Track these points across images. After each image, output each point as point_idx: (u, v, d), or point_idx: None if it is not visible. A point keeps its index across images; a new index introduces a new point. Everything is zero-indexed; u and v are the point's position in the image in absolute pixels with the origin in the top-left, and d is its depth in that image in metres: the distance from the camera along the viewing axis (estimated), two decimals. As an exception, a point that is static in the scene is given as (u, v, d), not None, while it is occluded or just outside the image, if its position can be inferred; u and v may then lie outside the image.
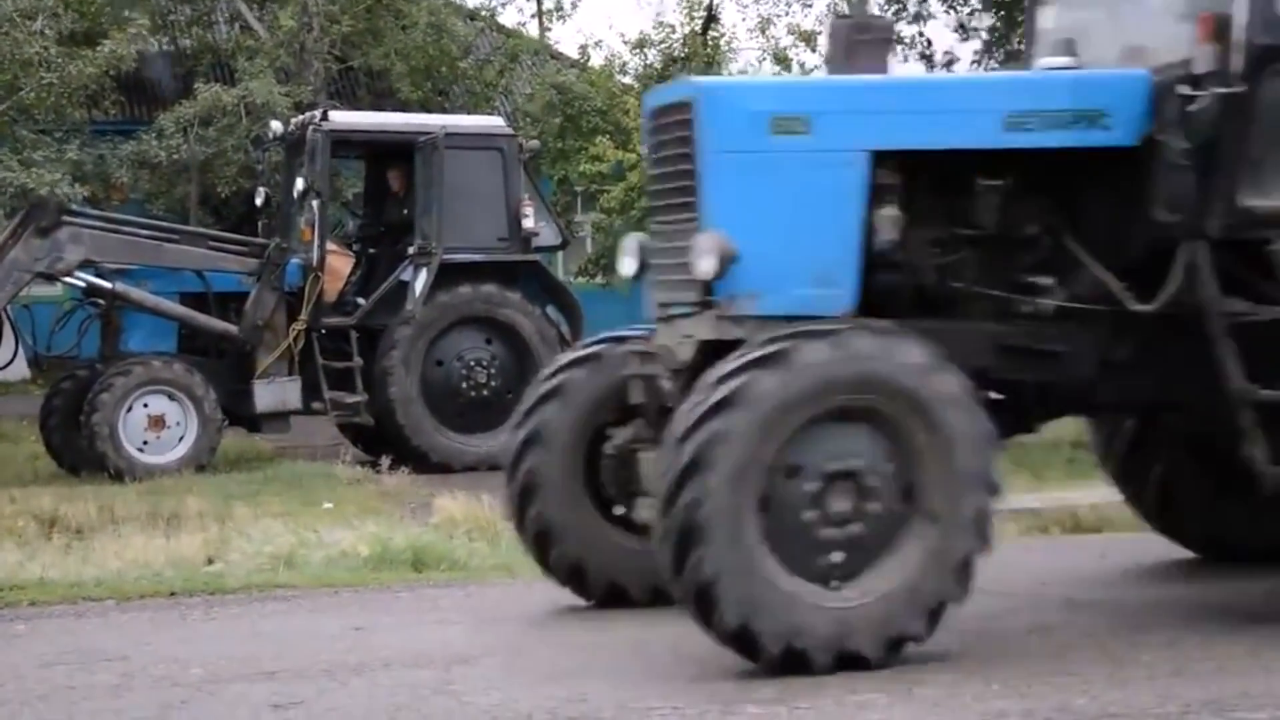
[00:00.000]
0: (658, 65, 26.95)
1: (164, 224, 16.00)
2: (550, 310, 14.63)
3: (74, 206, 16.31)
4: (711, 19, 28.09)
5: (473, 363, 14.06)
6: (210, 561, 9.15)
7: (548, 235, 14.91)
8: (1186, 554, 8.56)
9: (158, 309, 13.89)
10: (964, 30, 31.70)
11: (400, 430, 13.79)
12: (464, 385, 14.03)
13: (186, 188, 23.63)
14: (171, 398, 13.29)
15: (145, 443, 13.21)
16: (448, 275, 13.97)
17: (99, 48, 21.40)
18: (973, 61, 31.88)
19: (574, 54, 28.93)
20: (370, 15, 25.06)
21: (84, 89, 21.27)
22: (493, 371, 14.09)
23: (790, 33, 30.47)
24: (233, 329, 13.84)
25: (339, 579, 8.55)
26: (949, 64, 32.15)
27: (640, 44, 27.98)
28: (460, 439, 13.90)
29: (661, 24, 28.43)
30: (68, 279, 13.64)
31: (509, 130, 15.10)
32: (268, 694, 5.96)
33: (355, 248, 15.37)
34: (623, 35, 37.70)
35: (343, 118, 15.06)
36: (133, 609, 7.82)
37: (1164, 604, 7.55)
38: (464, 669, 6.34)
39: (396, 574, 8.74)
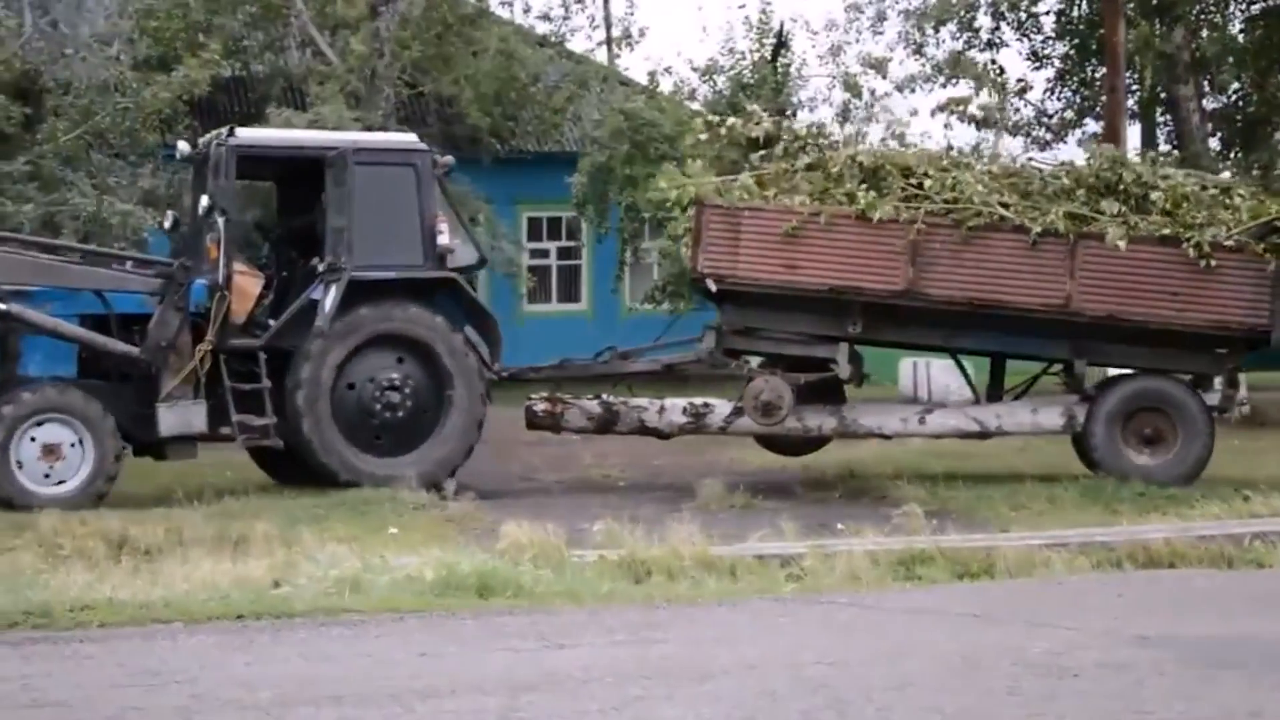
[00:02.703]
0: (727, 92, 26.95)
1: (64, 243, 15.28)
2: (469, 331, 14.17)
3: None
4: (781, 46, 28.06)
5: (386, 383, 13.58)
6: (277, 585, 9.17)
7: (465, 254, 14.44)
8: (1262, 589, 8.40)
9: (56, 331, 13.07)
10: (1037, 58, 31.51)
11: (310, 449, 13.33)
12: (377, 406, 13.55)
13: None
14: (67, 425, 12.65)
15: (46, 474, 12.56)
16: (360, 293, 13.49)
17: (173, 73, 21.67)
18: (1046, 89, 31.71)
19: (643, 81, 29.00)
20: (441, 41, 25.26)
21: (158, 114, 21.52)
22: (406, 392, 13.60)
23: (861, 60, 30.43)
24: (134, 351, 13.16)
25: (405, 604, 8.54)
26: (1021, 92, 31.98)
27: (709, 71, 28.00)
28: (372, 460, 13.47)
29: (731, 51, 28.46)
30: None
31: (423, 146, 14.47)
32: (335, 718, 5.95)
33: (266, 268, 14.78)
34: (691, 62, 37.66)
35: (249, 134, 14.59)
36: (201, 631, 7.84)
37: (1240, 640, 7.42)
38: (530, 696, 6.31)
39: (462, 600, 8.73)
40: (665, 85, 28.85)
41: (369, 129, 23.36)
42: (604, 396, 14.41)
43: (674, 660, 7.11)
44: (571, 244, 28.45)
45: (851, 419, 14.32)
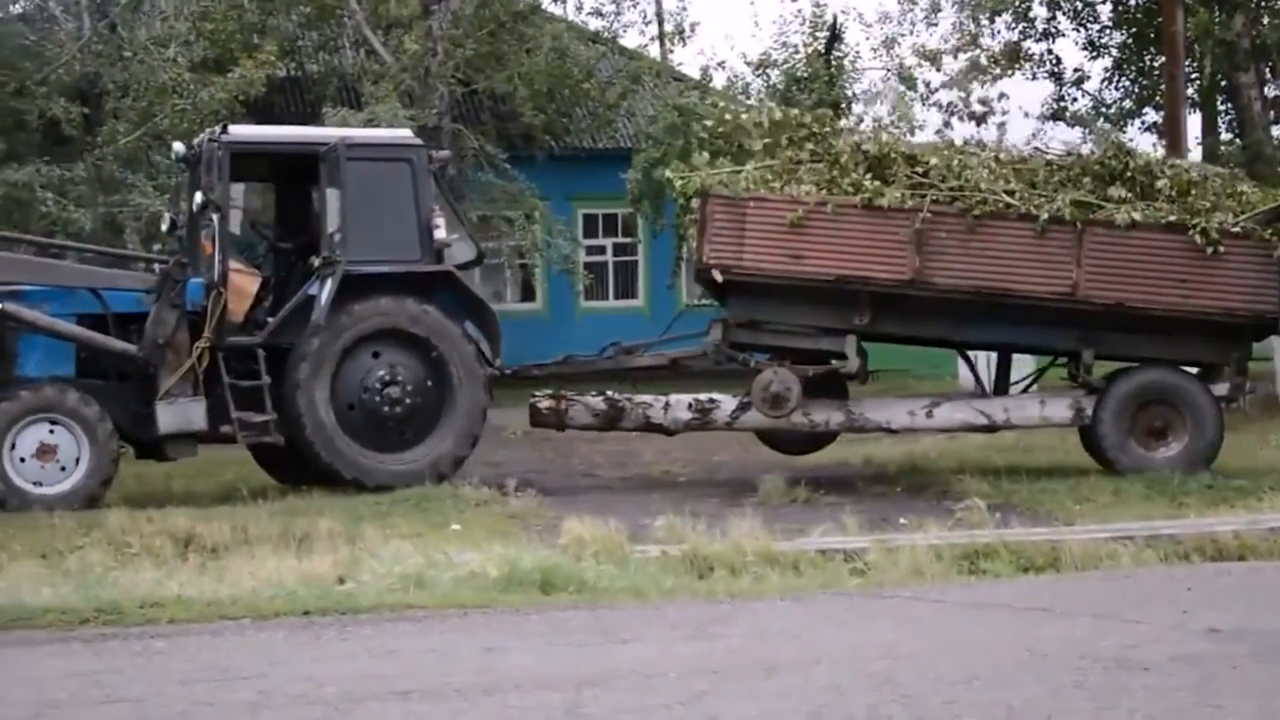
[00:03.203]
0: (780, 86, 26.89)
1: (58, 242, 15.16)
2: (469, 326, 14.00)
3: None
4: (835, 39, 27.97)
5: (385, 378, 13.44)
6: (342, 581, 9.23)
7: (463, 250, 14.18)
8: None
9: (52, 330, 12.94)
10: (1094, 47, 31.26)
11: (310, 447, 13.21)
12: (376, 401, 13.40)
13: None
14: (61, 425, 12.53)
15: (39, 474, 12.45)
16: (357, 288, 13.36)
17: (229, 74, 21.84)
18: (1103, 79, 31.45)
19: (696, 76, 28.97)
20: (494, 39, 25.32)
21: (215, 115, 21.68)
22: (407, 387, 13.45)
23: (915, 53, 30.29)
24: (132, 349, 13.03)
25: (468, 600, 8.57)
26: (1079, 81, 31.74)
27: (762, 65, 27.94)
28: (373, 456, 13.34)
29: (784, 44, 28.40)
30: None
31: (417, 141, 14.35)
32: (402, 713, 5.98)
33: (263, 267, 14.59)
34: (744, 56, 37.59)
35: (243, 130, 14.50)
36: (268, 627, 7.90)
37: (1312, 633, 7.33)
38: (595, 691, 6.32)
39: (525, 595, 8.75)
40: (718, 80, 28.85)
41: (423, 128, 23.46)
42: (608, 393, 14.29)
43: (738, 655, 7.10)
44: (628, 240, 28.46)
45: (858, 413, 14.22)
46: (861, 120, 28.24)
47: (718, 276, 13.72)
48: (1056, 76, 31.81)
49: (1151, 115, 31.00)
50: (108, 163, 20.48)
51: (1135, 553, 10.33)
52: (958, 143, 14.88)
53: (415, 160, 13.80)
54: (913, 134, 26.95)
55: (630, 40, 30.69)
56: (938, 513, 11.90)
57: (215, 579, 9.27)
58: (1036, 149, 14.96)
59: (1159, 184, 13.76)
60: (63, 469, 12.54)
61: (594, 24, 29.23)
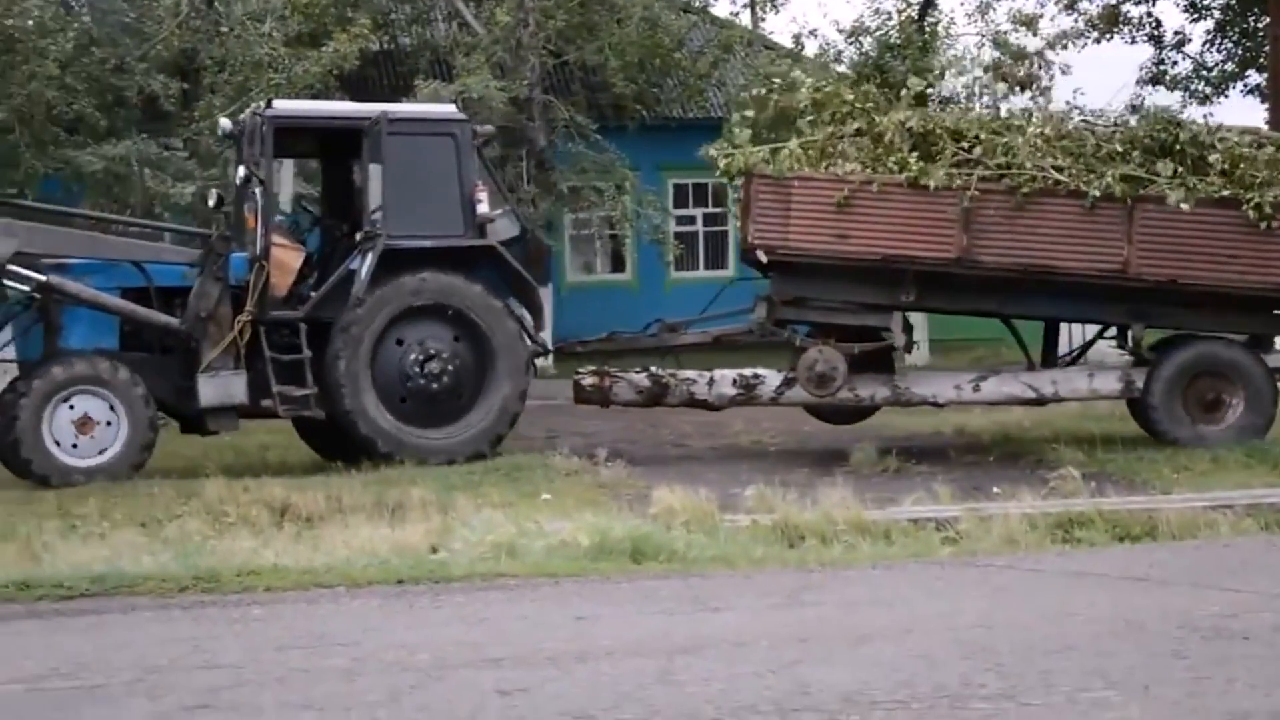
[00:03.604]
0: (873, 54, 26.63)
1: (102, 215, 15.11)
2: (512, 302, 13.86)
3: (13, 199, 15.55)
4: (929, 4, 27.64)
5: (427, 353, 13.40)
6: (434, 550, 9.32)
7: (506, 226, 14.07)
8: None
9: (95, 302, 12.97)
10: (1195, 9, 30.67)
11: (348, 418, 13.19)
12: (416, 376, 13.37)
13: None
14: (99, 397, 12.57)
15: (75, 445, 12.52)
16: (399, 262, 13.35)
17: (323, 48, 22.00)
18: (1205, 42, 30.86)
19: (787, 44, 28.77)
20: (584, 10, 25.28)
21: (309, 89, 21.88)
22: (446, 363, 13.41)
23: (1011, 18, 29.86)
24: (174, 322, 13.06)
25: (559, 569, 8.62)
26: (1180, 44, 31.18)
27: (855, 33, 27.70)
28: (411, 430, 13.30)
29: (877, 12, 28.12)
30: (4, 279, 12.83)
31: (461, 116, 14.28)
32: (494, 681, 6.02)
33: (308, 242, 14.62)
34: (837, 24, 37.28)
35: (287, 105, 14.43)
36: (362, 595, 8.00)
37: None
38: (686, 659, 6.33)
39: (616, 564, 8.78)
40: (810, 49, 28.63)
41: (514, 99, 23.55)
42: (652, 369, 14.24)
43: (829, 624, 7.08)
44: (718, 210, 28.37)
45: (904, 387, 14.12)
46: (952, 89, 27.88)
47: (763, 257, 13.65)
48: (1156, 40, 31.28)
49: (1255, 78, 30.39)
50: (204, 137, 20.71)
51: (1234, 521, 10.18)
52: (1004, 114, 14.57)
53: (459, 135, 13.77)
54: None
55: (721, 9, 30.50)
56: (1031, 482, 11.78)
57: (310, 547, 9.40)
58: (1084, 120, 14.64)
59: (1211, 158, 13.47)
60: (99, 440, 12.56)
61: (685, -7, 29.12)
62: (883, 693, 5.64)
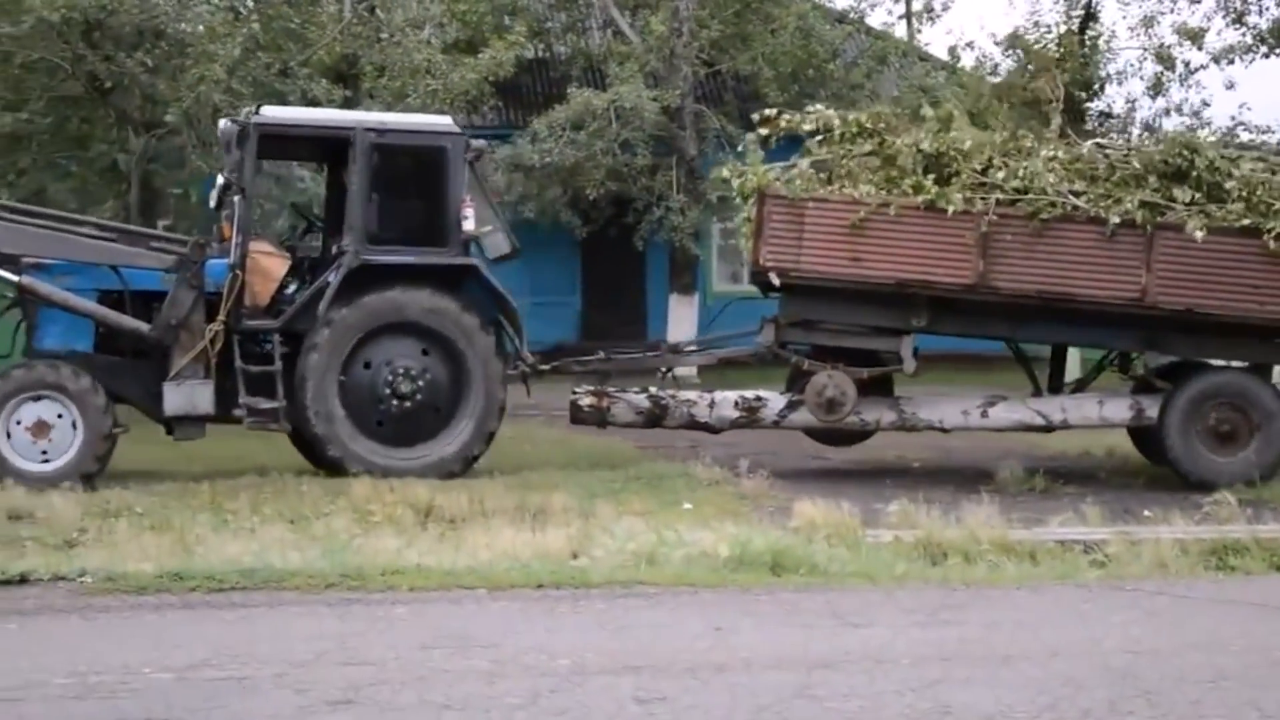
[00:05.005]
0: (1031, 66, 26.23)
1: (78, 218, 14.96)
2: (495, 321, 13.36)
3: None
4: (1090, 17, 27.18)
5: (400, 371, 12.96)
6: (575, 556, 9.36)
7: (498, 243, 13.60)
8: None
9: (67, 305, 12.72)
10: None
11: (316, 438, 12.84)
12: (388, 394, 12.94)
13: (556, 190, 24.33)
14: (55, 402, 12.31)
15: (30, 450, 12.23)
16: (375, 278, 12.94)
17: (480, 55, 22.29)
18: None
19: (943, 56, 28.48)
20: (739, 20, 25.31)
21: (465, 95, 22.16)
22: (420, 382, 12.98)
23: (1175, 31, 29.21)
24: (144, 327, 12.76)
25: (699, 578, 8.61)
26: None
27: (1012, 44, 27.31)
28: (381, 450, 12.87)
29: (1036, 24, 27.71)
30: None
31: (454, 129, 13.65)
32: (632, 688, 6.03)
33: (296, 250, 14.16)
34: (994, 35, 36.79)
35: (275, 112, 13.91)
36: (503, 598, 8.06)
37: None
38: (825, 673, 6.28)
39: (755, 576, 8.75)
40: (967, 60, 28.31)
41: (666, 108, 23.63)
42: (651, 390, 14.05)
43: (973, 643, 6.99)
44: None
45: (910, 412, 13.84)
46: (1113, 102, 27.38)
47: (775, 279, 13.46)
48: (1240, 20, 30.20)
49: None
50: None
51: None
52: (1019, 135, 14.16)
53: (449, 149, 13.33)
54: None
55: (877, 19, 30.28)
56: (1184, 506, 11.51)
57: (453, 549, 9.49)
58: (1097, 143, 14.21)
59: (1228, 185, 13.04)
60: (56, 445, 12.31)
61: (840, 2, 29.00)
62: (1026, 715, 5.56)
